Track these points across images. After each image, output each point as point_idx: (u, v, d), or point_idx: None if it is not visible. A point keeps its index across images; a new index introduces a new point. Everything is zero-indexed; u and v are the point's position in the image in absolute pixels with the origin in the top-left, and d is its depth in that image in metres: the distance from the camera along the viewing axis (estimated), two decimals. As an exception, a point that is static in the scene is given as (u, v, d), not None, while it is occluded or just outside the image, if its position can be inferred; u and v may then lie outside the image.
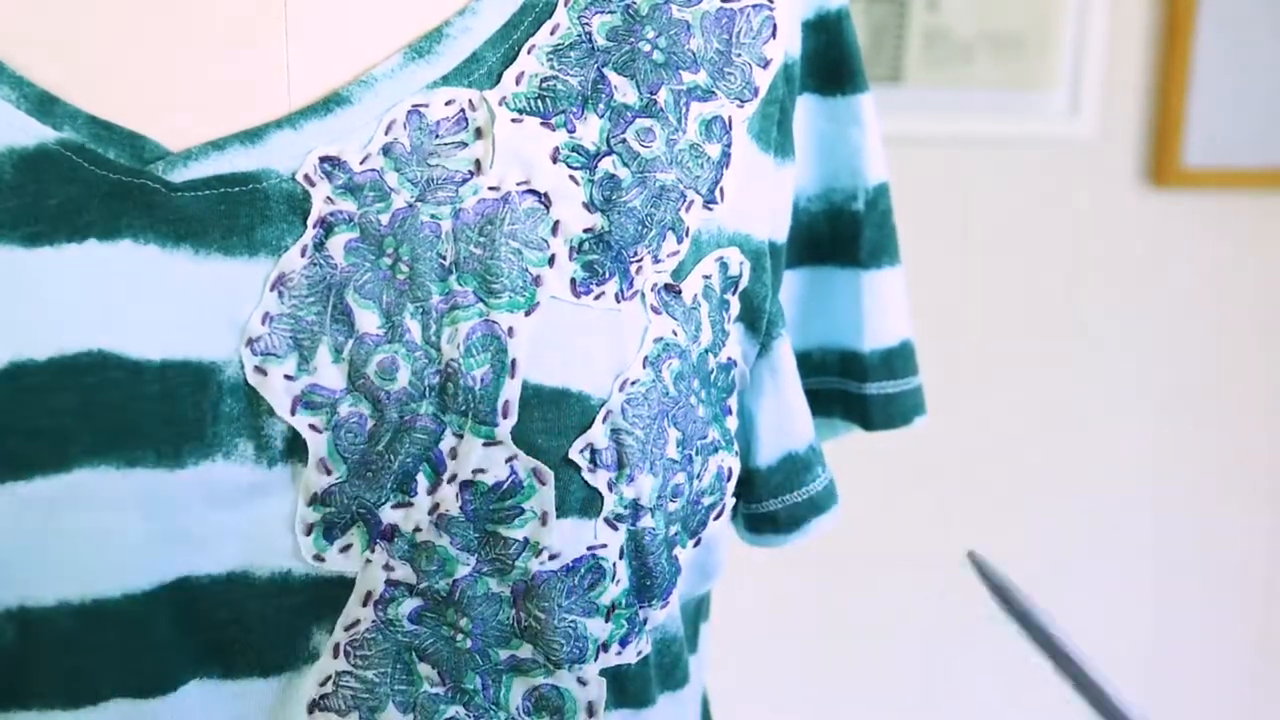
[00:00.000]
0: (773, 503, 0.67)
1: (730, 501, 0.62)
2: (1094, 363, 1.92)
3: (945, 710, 1.97)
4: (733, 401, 0.61)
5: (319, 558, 0.51)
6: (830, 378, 0.72)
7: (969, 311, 1.86)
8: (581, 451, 0.53)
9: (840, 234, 0.69)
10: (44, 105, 0.50)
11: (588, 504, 0.54)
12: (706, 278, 0.58)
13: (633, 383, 0.55)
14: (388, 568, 0.52)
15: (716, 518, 0.61)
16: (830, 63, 0.66)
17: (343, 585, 0.52)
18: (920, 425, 0.73)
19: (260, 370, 0.50)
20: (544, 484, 0.53)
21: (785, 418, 0.66)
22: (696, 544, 0.60)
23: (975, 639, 1.96)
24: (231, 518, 0.51)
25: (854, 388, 0.72)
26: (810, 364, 0.69)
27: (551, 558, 0.54)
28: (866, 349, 0.71)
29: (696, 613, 0.68)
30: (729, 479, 0.61)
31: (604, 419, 0.54)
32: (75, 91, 0.51)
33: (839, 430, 0.74)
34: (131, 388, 0.49)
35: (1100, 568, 1.99)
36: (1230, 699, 2.09)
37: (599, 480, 0.54)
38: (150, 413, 0.49)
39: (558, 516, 0.53)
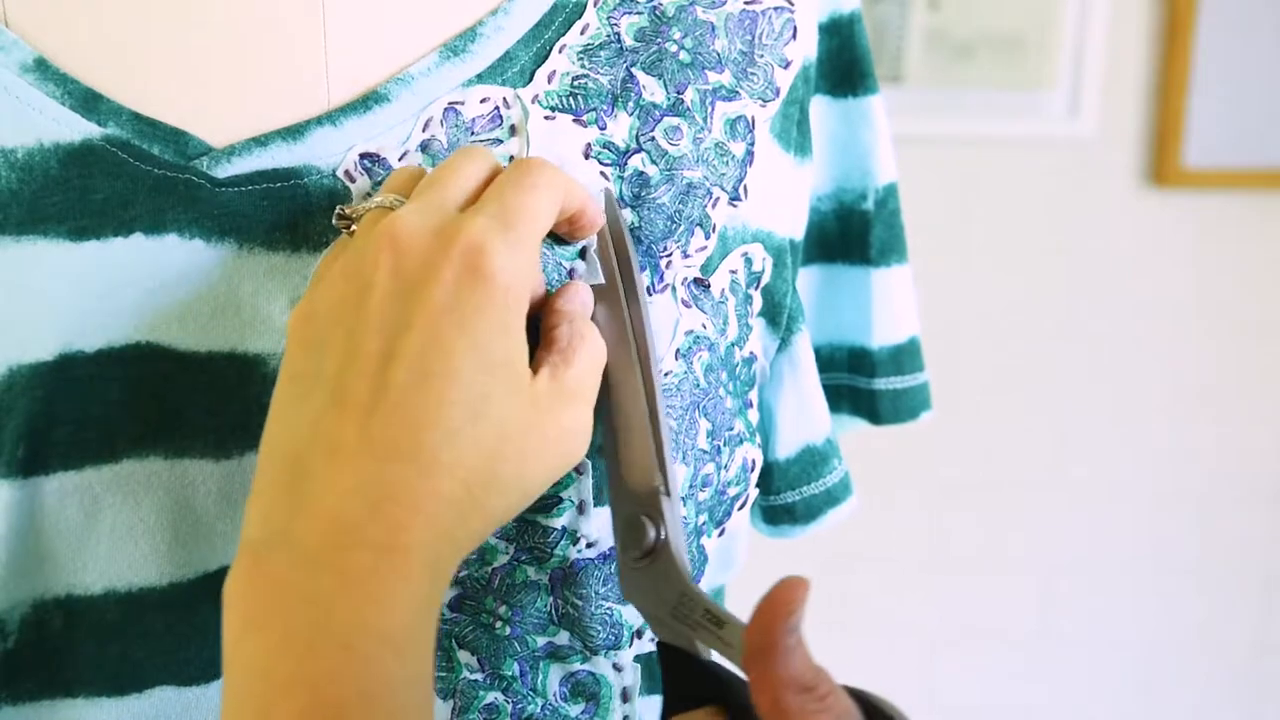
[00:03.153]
0: (790, 494, 0.68)
1: (753, 493, 0.63)
2: (1093, 362, 1.93)
3: (945, 710, 1.98)
4: (754, 395, 0.62)
5: None
6: (839, 373, 0.73)
7: (968, 311, 1.87)
8: None
9: (850, 232, 0.70)
10: (89, 102, 0.51)
11: None
12: (733, 273, 0.59)
13: (665, 374, 0.56)
14: None
15: (740, 508, 0.62)
16: (843, 65, 0.67)
17: None
18: (926, 420, 0.75)
19: None
20: (581, 473, 0.54)
21: (804, 411, 0.67)
22: (721, 534, 0.61)
23: (976, 638, 1.97)
24: None
25: (863, 383, 0.73)
26: (820, 360, 0.70)
27: (589, 545, 0.54)
28: (875, 345, 0.72)
29: (714, 604, 0.69)
30: (753, 470, 0.62)
31: None
32: (119, 89, 0.52)
33: (846, 425, 0.75)
34: (178, 379, 0.50)
35: (1100, 567, 2.00)
36: (1230, 698, 2.10)
37: None
38: (196, 404, 0.50)
39: (595, 505, 0.54)
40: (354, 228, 0.50)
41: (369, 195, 0.52)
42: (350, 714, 0.41)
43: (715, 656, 0.51)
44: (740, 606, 0.77)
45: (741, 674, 0.47)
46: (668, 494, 0.53)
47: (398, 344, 0.45)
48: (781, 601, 0.44)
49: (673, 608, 0.51)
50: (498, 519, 0.48)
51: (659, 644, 0.52)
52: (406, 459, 0.44)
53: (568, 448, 0.49)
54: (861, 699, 0.47)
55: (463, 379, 0.45)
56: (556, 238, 0.54)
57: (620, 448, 0.54)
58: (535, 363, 0.49)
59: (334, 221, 0.51)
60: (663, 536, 0.52)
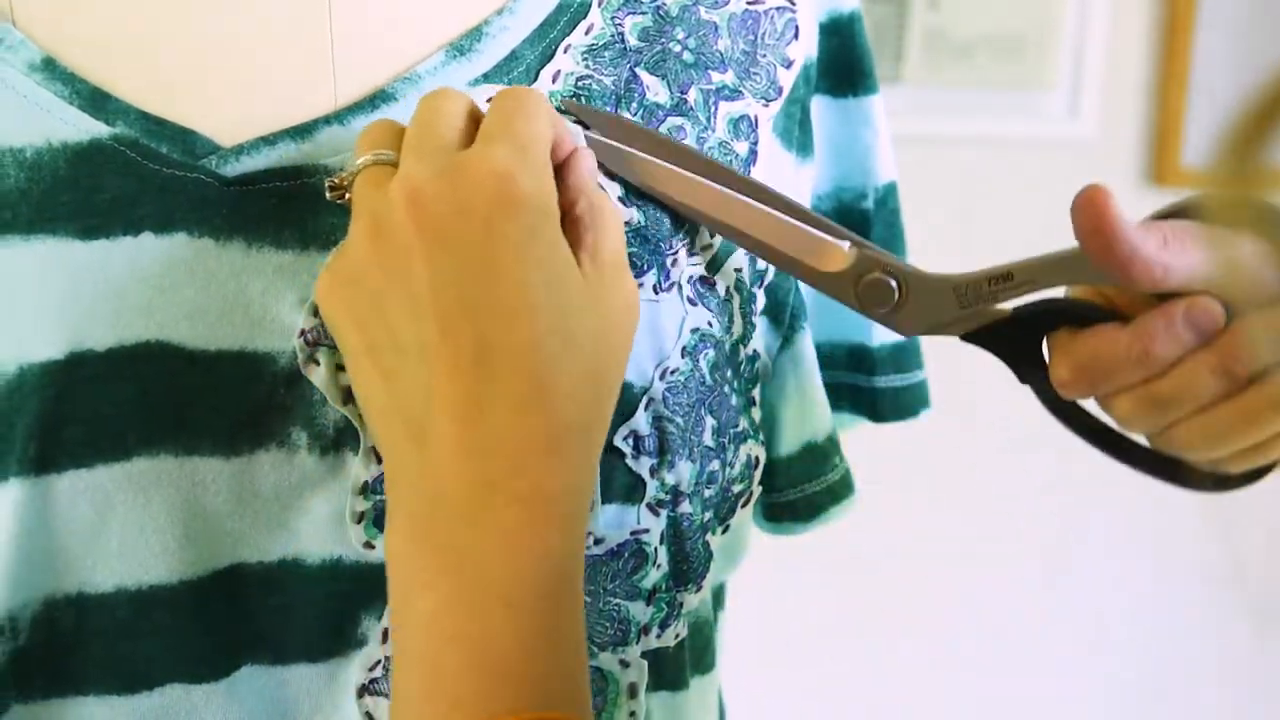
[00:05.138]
0: (792, 492, 0.68)
1: (757, 490, 0.63)
2: (1094, 361, 1.92)
3: (948, 708, 1.98)
4: (757, 393, 0.62)
5: (369, 545, 0.52)
6: (839, 371, 0.73)
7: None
8: (625, 439, 0.55)
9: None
10: (96, 101, 0.51)
11: (631, 490, 0.55)
12: (738, 271, 0.59)
13: (672, 371, 0.56)
14: None
15: (744, 505, 0.62)
16: (843, 65, 0.67)
17: None
18: (925, 418, 0.75)
19: (313, 361, 0.51)
20: None
21: (806, 409, 0.67)
22: (725, 531, 0.62)
23: (977, 637, 1.97)
24: (284, 505, 0.52)
25: (863, 381, 0.73)
26: (820, 357, 0.71)
27: (597, 542, 0.55)
28: (875, 343, 0.72)
29: (715, 600, 0.69)
30: (756, 467, 0.62)
31: (646, 406, 0.55)
32: (127, 88, 0.52)
33: (846, 423, 0.76)
34: (188, 378, 0.50)
35: (1101, 567, 2.00)
36: (1230, 698, 2.10)
37: (642, 467, 0.55)
38: (206, 402, 0.51)
39: (603, 502, 0.54)
40: (348, 195, 0.50)
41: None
42: (513, 665, 0.43)
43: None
44: (741, 606, 0.77)
45: (1048, 299, 0.54)
46: (861, 244, 0.55)
47: (466, 294, 0.46)
48: (1094, 207, 0.49)
49: (956, 309, 0.54)
50: (608, 420, 0.49)
51: (966, 337, 0.55)
52: (529, 406, 0.45)
53: (632, 317, 0.51)
54: (1181, 212, 0.52)
55: (544, 308, 0.46)
56: None
57: (785, 252, 0.55)
58: (572, 251, 0.50)
59: (327, 195, 0.51)
60: (901, 276, 0.55)
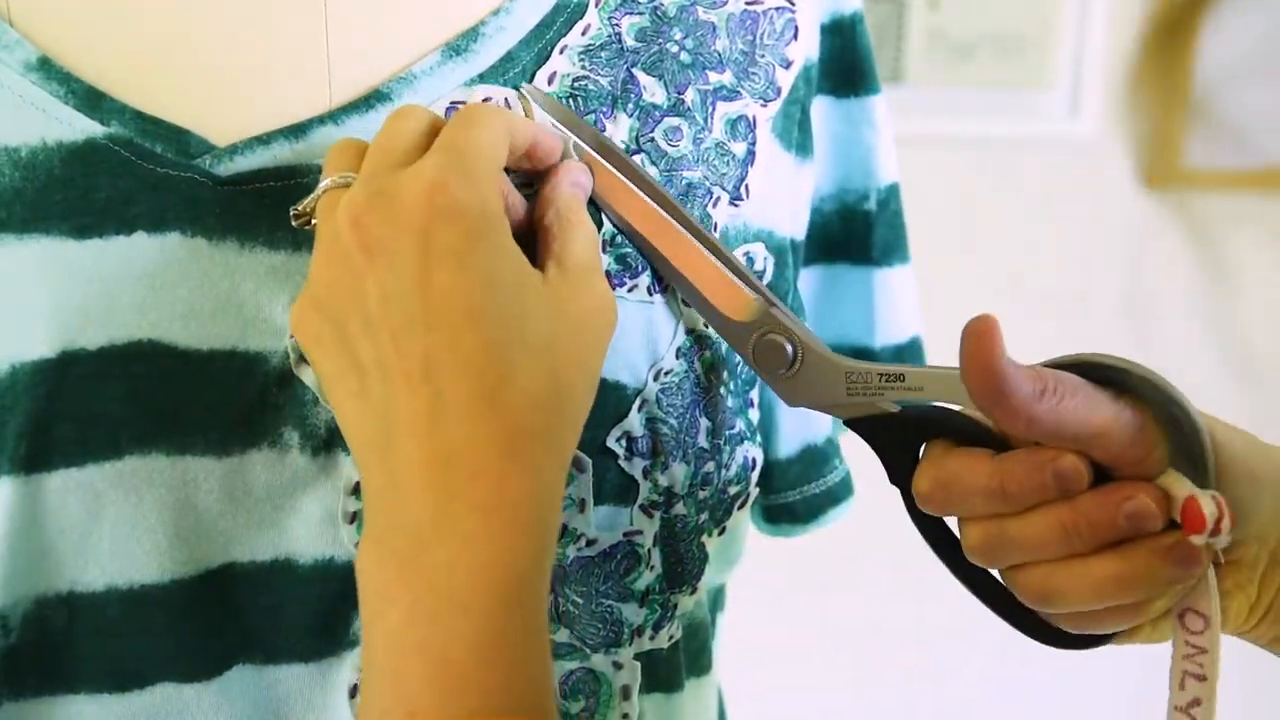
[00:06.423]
0: (791, 494, 0.68)
1: (754, 492, 0.63)
2: (1093, 362, 1.92)
3: (948, 707, 1.99)
4: (754, 394, 0.62)
5: None
6: None
7: (968, 312, 1.86)
8: (618, 440, 0.55)
9: (853, 233, 0.70)
10: (91, 100, 0.51)
11: (624, 491, 0.55)
12: None
13: (666, 373, 0.56)
14: None
15: (741, 507, 0.62)
16: (845, 65, 0.67)
17: None
18: None
19: (305, 361, 0.51)
20: (582, 472, 0.54)
21: (805, 410, 0.67)
22: (722, 533, 0.61)
23: (977, 637, 1.97)
24: (276, 505, 0.52)
25: None
26: None
27: (589, 544, 0.55)
28: (878, 345, 0.72)
29: (714, 602, 0.69)
30: (753, 469, 0.62)
31: (639, 408, 0.55)
32: (122, 87, 0.52)
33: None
34: (180, 377, 0.50)
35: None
36: (1228, 698, 2.10)
37: (635, 468, 0.55)
38: (198, 402, 0.51)
39: (595, 504, 0.54)
40: (314, 221, 0.50)
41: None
42: (470, 672, 0.43)
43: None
44: (741, 607, 0.77)
45: (937, 405, 0.53)
46: (772, 304, 0.55)
47: (411, 308, 0.46)
48: (982, 337, 0.48)
49: (845, 390, 0.55)
50: (581, 419, 0.49)
51: (849, 423, 0.55)
52: (482, 413, 0.45)
53: (603, 320, 0.51)
54: (1075, 367, 0.51)
55: (490, 313, 0.46)
56: (527, 182, 0.54)
57: (699, 290, 0.55)
58: (540, 259, 0.50)
59: (293, 222, 0.51)
60: (799, 344, 0.55)
